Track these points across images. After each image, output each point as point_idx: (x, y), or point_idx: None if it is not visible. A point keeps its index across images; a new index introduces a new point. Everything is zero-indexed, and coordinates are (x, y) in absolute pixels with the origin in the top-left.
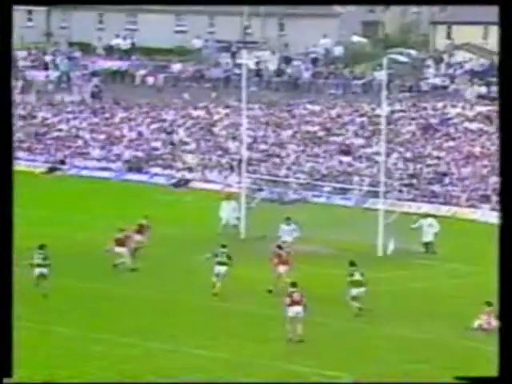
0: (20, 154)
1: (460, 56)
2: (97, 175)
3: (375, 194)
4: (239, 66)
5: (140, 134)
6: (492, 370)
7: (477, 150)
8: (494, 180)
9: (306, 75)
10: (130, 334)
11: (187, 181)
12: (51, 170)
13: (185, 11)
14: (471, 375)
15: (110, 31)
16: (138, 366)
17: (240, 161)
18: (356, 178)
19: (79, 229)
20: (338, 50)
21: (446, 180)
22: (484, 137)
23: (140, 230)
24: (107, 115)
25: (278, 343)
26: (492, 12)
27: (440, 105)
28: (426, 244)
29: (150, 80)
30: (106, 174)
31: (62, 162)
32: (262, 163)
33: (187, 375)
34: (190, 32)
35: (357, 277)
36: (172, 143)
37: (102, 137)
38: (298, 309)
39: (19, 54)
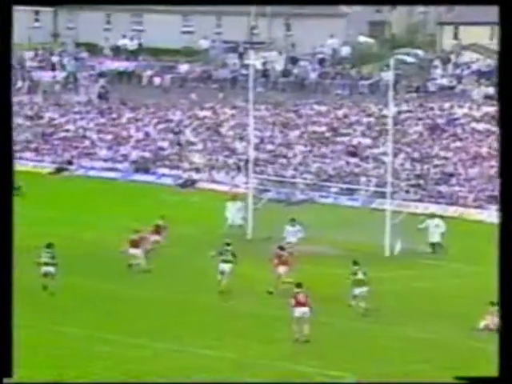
0: (27, 154)
1: (467, 56)
2: (104, 176)
3: (382, 195)
4: (246, 66)
5: (147, 134)
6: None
7: (484, 150)
8: None
9: (313, 75)
10: (137, 334)
11: (194, 181)
12: (58, 170)
13: (192, 12)
14: (477, 376)
15: (116, 32)
16: (145, 366)
17: (247, 161)
18: (363, 179)
19: (86, 229)
20: (345, 51)
21: (453, 180)
22: (491, 137)
23: (157, 230)
24: (114, 116)
25: (283, 344)
26: None
27: (447, 105)
28: (433, 244)
29: (157, 80)
30: (113, 174)
31: (69, 163)
32: (268, 164)
33: (193, 375)
34: (197, 32)
35: (360, 276)
36: (179, 144)
37: (109, 137)
38: (304, 309)
39: (26, 55)
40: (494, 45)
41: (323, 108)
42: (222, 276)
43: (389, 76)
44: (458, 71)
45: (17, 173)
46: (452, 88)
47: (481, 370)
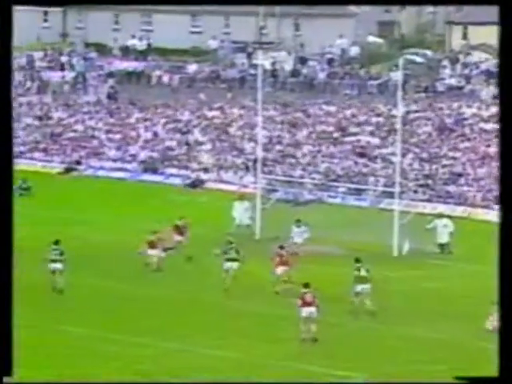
0: (36, 154)
1: (476, 56)
2: (112, 176)
3: (390, 195)
4: (255, 66)
5: (155, 134)
6: None
7: (492, 150)
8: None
9: (322, 75)
10: (143, 333)
11: (202, 181)
12: (67, 170)
13: (200, 12)
14: (484, 376)
15: (125, 32)
16: (150, 365)
17: (255, 161)
18: (371, 179)
19: (95, 229)
20: (354, 51)
21: (462, 180)
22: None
23: (179, 230)
24: (123, 116)
25: (289, 343)
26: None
27: (456, 105)
28: (441, 244)
29: (166, 80)
30: (121, 174)
31: (78, 163)
32: (277, 164)
33: (199, 375)
34: (206, 33)
35: (362, 273)
36: (187, 144)
37: (118, 137)
38: (311, 309)
39: (35, 55)
40: None
41: (332, 108)
42: (226, 274)
43: (398, 76)
44: (466, 71)
45: (26, 173)
46: (461, 88)
47: (489, 370)
